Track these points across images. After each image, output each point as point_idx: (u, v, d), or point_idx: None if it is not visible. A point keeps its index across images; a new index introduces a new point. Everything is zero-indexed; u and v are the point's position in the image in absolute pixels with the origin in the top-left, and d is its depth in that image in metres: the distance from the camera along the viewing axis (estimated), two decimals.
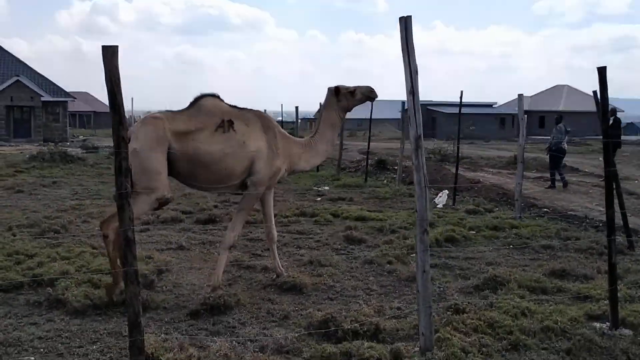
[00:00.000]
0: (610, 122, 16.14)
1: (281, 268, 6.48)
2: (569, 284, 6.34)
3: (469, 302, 5.48)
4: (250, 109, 6.19)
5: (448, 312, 5.17)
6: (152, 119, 5.68)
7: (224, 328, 4.93)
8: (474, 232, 9.20)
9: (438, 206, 12.03)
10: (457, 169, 12.78)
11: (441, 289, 6.24)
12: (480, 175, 17.73)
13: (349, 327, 4.68)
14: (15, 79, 36.10)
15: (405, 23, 4.20)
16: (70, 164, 19.78)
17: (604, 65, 5.00)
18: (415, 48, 4.22)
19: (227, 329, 4.92)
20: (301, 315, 5.25)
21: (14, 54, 40.54)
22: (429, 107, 60.03)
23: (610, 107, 17.09)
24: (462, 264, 7.25)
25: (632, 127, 76.70)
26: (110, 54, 3.36)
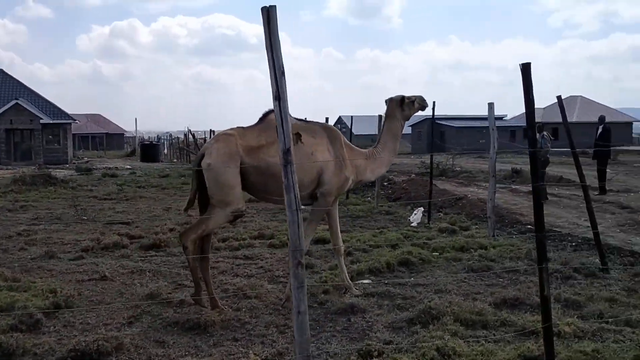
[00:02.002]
0: (599, 130, 15.31)
1: (349, 281, 6.45)
2: (518, 316, 5.51)
3: (387, 343, 4.71)
4: (317, 122, 6.67)
5: (353, 357, 4.39)
6: (224, 135, 5.95)
7: None
8: (437, 253, 8.40)
9: (412, 224, 11.23)
10: (430, 184, 11.97)
11: (369, 323, 5.46)
12: (471, 190, 16.85)
13: None
14: (14, 102, 35.97)
15: (269, 14, 3.49)
16: (51, 186, 19.26)
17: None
18: (280, 43, 3.52)
19: None
20: None
21: (15, 77, 40.58)
22: (438, 121, 59.06)
23: (599, 115, 16.32)
24: (407, 292, 6.46)
25: None
26: None
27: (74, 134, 75.81)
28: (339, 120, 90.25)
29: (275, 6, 3.51)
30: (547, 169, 15.79)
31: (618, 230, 10.49)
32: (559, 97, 7.38)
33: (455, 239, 9.30)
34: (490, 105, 9.46)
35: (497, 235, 9.84)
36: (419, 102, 6.63)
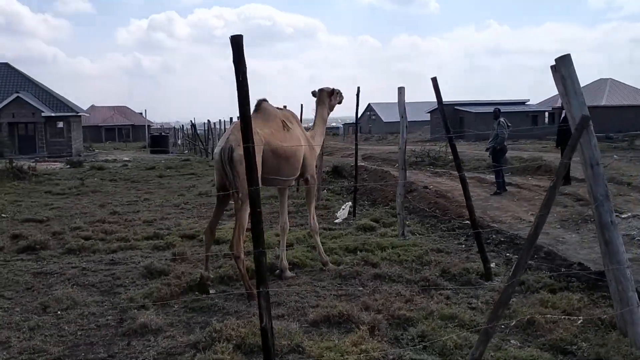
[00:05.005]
0: (563, 116, 14.01)
1: (285, 262, 6.80)
2: (326, 338, 4.65)
3: None
4: (286, 109, 7.23)
5: None
6: None
7: None
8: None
9: (337, 221, 10.33)
10: (356, 177, 11.03)
11: (146, 348, 4.66)
12: (439, 180, 15.82)
13: None
14: (15, 95, 36.00)
15: None
16: (17, 180, 18.94)
17: None
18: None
19: None
20: None
21: (20, 70, 40.74)
22: (456, 107, 57.26)
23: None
24: (238, 307, 5.67)
25: None
26: None
27: (99, 126, 77.10)
28: (369, 107, 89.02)
29: None
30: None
31: (558, 226, 9.45)
32: (433, 79, 6.39)
33: (359, 239, 8.42)
34: (400, 90, 8.45)
35: (414, 234, 8.93)
36: (341, 96, 7.77)
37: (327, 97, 7.62)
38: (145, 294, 5.95)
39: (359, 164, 20.74)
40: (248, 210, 5.91)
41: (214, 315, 5.45)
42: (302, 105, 13.45)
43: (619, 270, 4.24)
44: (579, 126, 4.25)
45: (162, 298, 5.82)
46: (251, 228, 3.46)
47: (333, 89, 7.62)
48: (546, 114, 58.15)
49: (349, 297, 5.87)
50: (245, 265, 6.01)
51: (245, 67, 3.32)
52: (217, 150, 6.13)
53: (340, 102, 7.86)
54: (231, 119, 27.46)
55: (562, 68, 4.38)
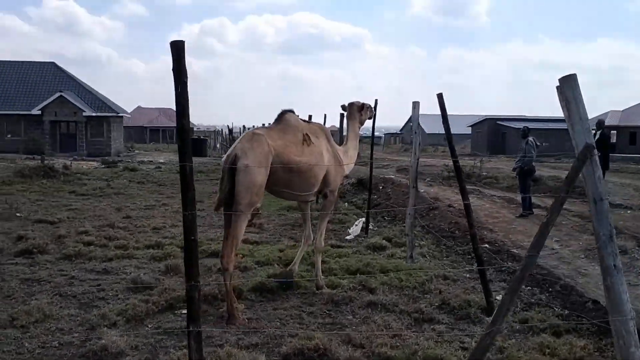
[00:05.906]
0: (597, 137, 13.27)
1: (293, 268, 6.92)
2: None
3: None
4: (314, 122, 7.18)
5: None
6: (257, 135, 5.92)
7: None
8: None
9: (348, 237, 9.90)
10: (370, 192, 10.56)
11: None
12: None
13: None
14: (58, 94, 36.75)
15: None
16: (46, 178, 19.12)
17: None
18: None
19: None
20: None
21: (65, 69, 41.66)
22: (499, 122, 55.93)
23: (597, 120, 13.98)
24: (208, 332, 5.29)
25: None
26: None
27: (144, 127, 78.59)
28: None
29: None
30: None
31: (582, 256, 8.81)
32: (439, 95, 5.93)
33: (362, 259, 7.98)
34: (415, 105, 7.98)
35: (425, 256, 8.44)
36: (372, 111, 7.71)
37: (357, 112, 7.49)
38: (119, 311, 5.65)
39: (387, 177, 20.36)
40: (246, 221, 5.85)
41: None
42: (325, 115, 13.09)
43: (621, 322, 3.70)
44: (581, 155, 3.74)
45: (136, 316, 5.53)
46: (184, 258, 3.09)
47: (363, 104, 7.52)
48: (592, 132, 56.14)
49: (334, 326, 5.45)
50: (232, 281, 5.70)
51: (186, 77, 2.97)
52: (224, 157, 5.97)
53: (370, 117, 7.76)
54: (263, 124, 27.48)
55: (567, 89, 3.87)
